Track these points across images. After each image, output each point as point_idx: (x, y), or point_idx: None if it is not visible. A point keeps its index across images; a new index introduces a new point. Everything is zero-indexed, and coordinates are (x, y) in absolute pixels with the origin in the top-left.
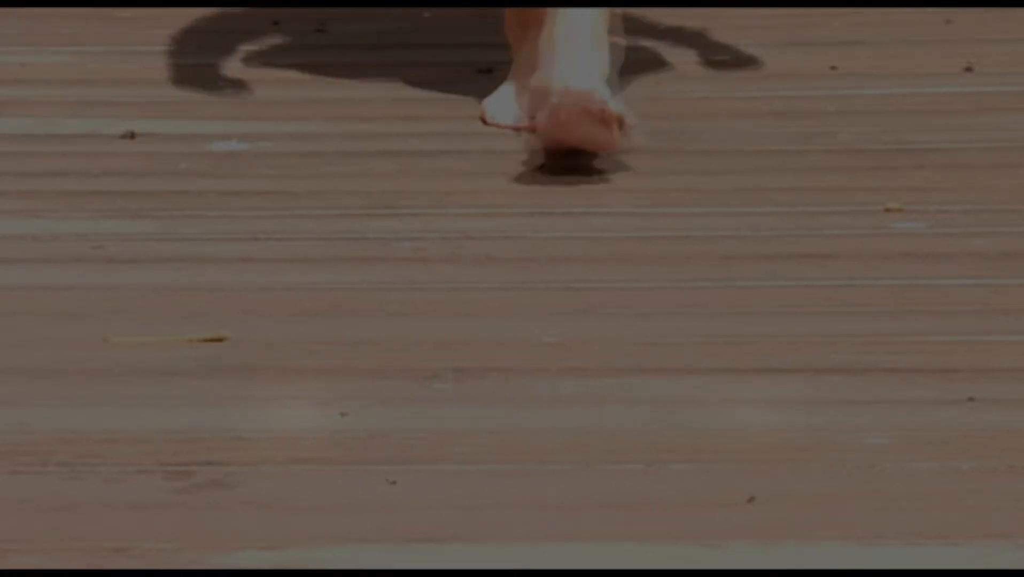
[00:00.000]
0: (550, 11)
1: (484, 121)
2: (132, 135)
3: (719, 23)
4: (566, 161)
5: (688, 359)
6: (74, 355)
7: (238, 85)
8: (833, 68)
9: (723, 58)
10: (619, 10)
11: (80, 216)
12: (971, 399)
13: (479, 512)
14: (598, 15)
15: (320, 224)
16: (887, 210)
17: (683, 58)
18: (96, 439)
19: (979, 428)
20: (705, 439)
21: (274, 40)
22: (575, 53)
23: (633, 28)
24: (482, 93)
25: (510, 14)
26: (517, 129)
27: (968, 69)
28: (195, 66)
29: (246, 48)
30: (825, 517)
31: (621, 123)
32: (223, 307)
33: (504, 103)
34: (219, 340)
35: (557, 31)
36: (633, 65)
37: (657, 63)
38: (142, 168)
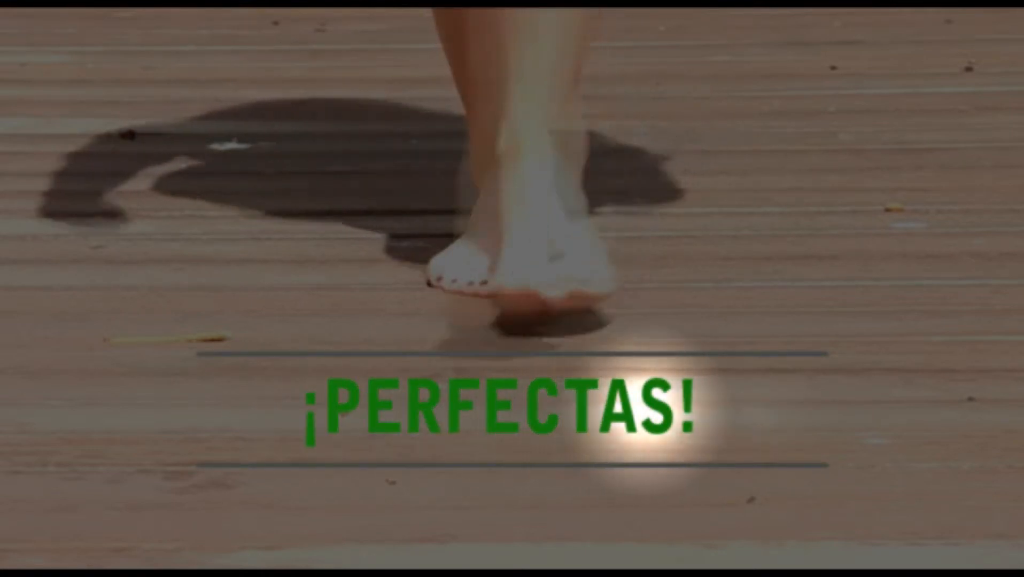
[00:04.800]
0: (503, 157)
1: (430, 284)
2: (132, 135)
3: (719, 23)
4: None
5: (688, 359)
6: (74, 355)
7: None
8: (833, 68)
9: (723, 58)
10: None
11: (80, 216)
12: (971, 399)
13: (479, 512)
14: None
15: (320, 224)
16: (887, 210)
17: (683, 58)
18: (96, 439)
19: (979, 428)
20: (705, 439)
21: (274, 40)
22: (520, 231)
23: (634, 29)
24: None
25: (473, 150)
26: (474, 295)
27: (968, 69)
28: (194, 67)
29: (245, 49)
30: (825, 517)
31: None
32: (223, 307)
33: (458, 262)
34: (219, 340)
35: (506, 194)
36: (632, 67)
37: (656, 68)
38: (142, 168)
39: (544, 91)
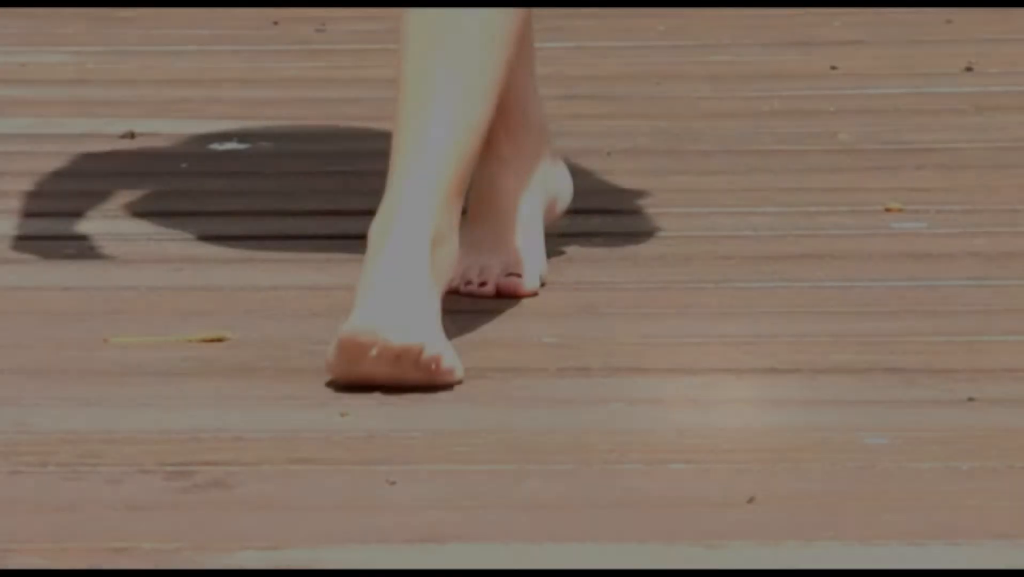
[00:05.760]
0: (371, 237)
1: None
2: (132, 135)
3: (719, 23)
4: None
5: (688, 359)
6: (74, 355)
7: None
8: (833, 68)
9: (723, 58)
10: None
11: (80, 216)
12: (971, 399)
13: (479, 512)
14: (454, 168)
15: (319, 224)
16: (887, 210)
17: (683, 58)
18: (96, 439)
19: (979, 428)
20: (705, 439)
21: (274, 40)
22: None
23: (634, 29)
24: None
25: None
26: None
27: (968, 69)
28: (194, 67)
29: (246, 48)
30: (825, 517)
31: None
32: (223, 307)
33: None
34: (219, 340)
35: (364, 276)
36: (632, 67)
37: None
38: (142, 168)
39: (438, 139)
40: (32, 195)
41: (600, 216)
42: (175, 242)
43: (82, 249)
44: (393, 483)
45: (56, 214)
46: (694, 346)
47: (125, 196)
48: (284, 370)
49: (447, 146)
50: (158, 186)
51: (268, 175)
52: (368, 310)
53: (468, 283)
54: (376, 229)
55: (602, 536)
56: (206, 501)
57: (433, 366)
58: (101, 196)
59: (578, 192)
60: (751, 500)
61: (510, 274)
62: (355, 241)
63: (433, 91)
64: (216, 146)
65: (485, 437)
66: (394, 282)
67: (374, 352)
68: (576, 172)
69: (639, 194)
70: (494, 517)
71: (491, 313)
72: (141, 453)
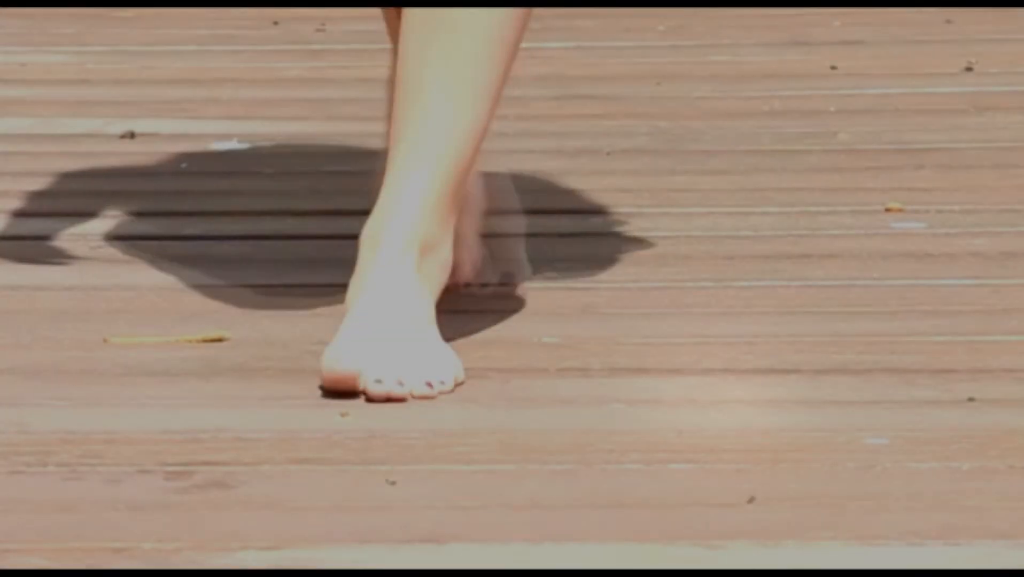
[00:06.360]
0: (362, 243)
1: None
2: (132, 135)
3: (719, 23)
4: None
5: (688, 359)
6: (74, 355)
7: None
8: (833, 68)
9: (723, 58)
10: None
11: (80, 216)
12: (971, 399)
13: (479, 512)
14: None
15: (320, 224)
16: (887, 210)
17: (683, 58)
18: (96, 439)
19: (979, 428)
20: (705, 439)
21: (274, 40)
22: (357, 319)
23: (634, 29)
24: None
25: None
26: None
27: (968, 69)
28: (194, 67)
29: (246, 48)
30: (825, 517)
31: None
32: (223, 307)
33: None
34: (219, 340)
35: (354, 285)
36: (632, 67)
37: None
38: (142, 168)
39: (432, 143)
40: (32, 195)
41: (600, 216)
42: (175, 242)
43: (82, 249)
44: (393, 483)
45: (56, 214)
46: (694, 346)
47: (125, 196)
48: (284, 370)
49: (442, 150)
50: (158, 186)
51: (268, 175)
52: (350, 343)
53: (468, 284)
54: (367, 234)
55: (602, 536)
56: (206, 501)
57: (423, 394)
58: (101, 196)
59: (578, 192)
60: (751, 500)
61: (505, 280)
62: (354, 241)
63: (430, 94)
64: (216, 146)
65: (485, 437)
66: (380, 305)
67: (359, 389)
68: (576, 172)
69: (639, 194)
70: (494, 517)
71: (491, 313)
72: (141, 453)
